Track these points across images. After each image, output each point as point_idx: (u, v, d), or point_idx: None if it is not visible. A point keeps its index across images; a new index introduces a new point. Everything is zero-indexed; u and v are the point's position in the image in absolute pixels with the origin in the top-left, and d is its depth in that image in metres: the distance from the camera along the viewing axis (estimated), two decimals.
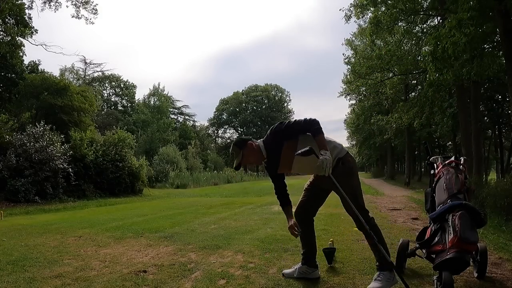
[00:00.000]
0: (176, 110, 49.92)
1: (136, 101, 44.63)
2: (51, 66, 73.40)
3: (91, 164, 14.67)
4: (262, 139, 2.85)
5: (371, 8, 13.75)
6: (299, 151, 2.48)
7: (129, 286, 2.80)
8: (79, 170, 14.07)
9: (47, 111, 17.18)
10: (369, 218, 2.70)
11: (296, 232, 2.76)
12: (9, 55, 17.15)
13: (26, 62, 20.39)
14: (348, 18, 15.45)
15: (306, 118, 2.66)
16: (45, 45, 17.90)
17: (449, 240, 2.33)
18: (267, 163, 2.88)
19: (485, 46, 9.70)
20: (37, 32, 17.82)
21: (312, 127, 2.61)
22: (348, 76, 22.44)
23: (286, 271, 3.00)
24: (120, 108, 43.97)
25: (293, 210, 2.99)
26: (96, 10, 17.38)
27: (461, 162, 2.96)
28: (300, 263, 2.96)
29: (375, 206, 8.78)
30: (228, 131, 57.12)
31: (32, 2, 16.94)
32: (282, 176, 2.96)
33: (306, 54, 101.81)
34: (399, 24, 14.41)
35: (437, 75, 9.51)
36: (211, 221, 6.46)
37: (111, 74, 43.46)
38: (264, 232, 5.06)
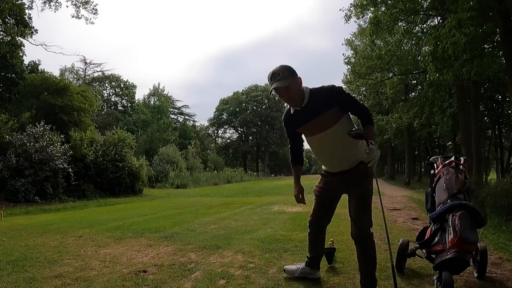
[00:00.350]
0: (176, 110, 49.97)
1: (136, 101, 44.66)
2: (51, 66, 73.49)
3: (91, 164, 14.67)
4: (309, 87, 2.51)
5: (371, 8, 13.76)
6: (352, 131, 2.28)
7: (129, 286, 2.80)
8: (79, 170, 14.07)
9: (47, 111, 17.18)
10: (370, 231, 2.52)
11: (303, 202, 2.68)
12: (9, 55, 17.17)
13: (26, 62, 20.45)
14: (348, 18, 15.46)
15: (362, 103, 2.54)
16: (45, 45, 17.94)
17: (449, 240, 2.34)
18: (295, 114, 2.52)
19: (485, 46, 9.71)
20: (37, 32, 17.89)
21: (367, 114, 2.46)
22: (348, 76, 22.47)
23: (288, 267, 2.97)
24: (120, 108, 43.98)
25: (308, 217, 2.84)
26: (96, 10, 17.41)
27: (461, 162, 2.96)
28: (303, 264, 2.91)
29: (375, 206, 8.74)
30: (228, 131, 57.10)
31: (32, 2, 16.97)
32: (300, 136, 2.67)
33: (306, 54, 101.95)
34: (399, 24, 14.42)
35: (437, 75, 9.52)
36: (211, 221, 6.46)
37: (111, 74, 43.51)
38: (264, 232, 5.06)
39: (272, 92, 2.44)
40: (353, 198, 2.54)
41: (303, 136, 2.69)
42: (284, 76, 2.37)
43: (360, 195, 2.48)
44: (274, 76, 2.39)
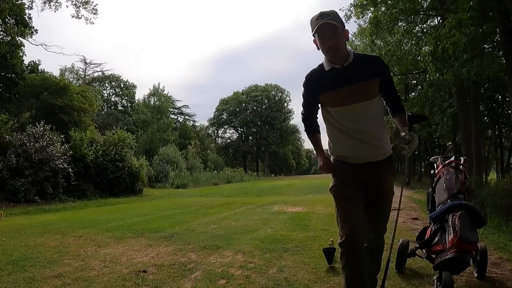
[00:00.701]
0: (176, 110, 50.00)
1: (136, 101, 44.68)
2: (51, 66, 73.63)
3: (91, 164, 14.68)
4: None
5: (371, 8, 13.74)
6: (411, 113, 2.15)
7: (129, 286, 2.80)
8: (79, 170, 14.08)
9: (47, 111, 17.19)
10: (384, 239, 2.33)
11: (332, 170, 2.16)
12: (9, 55, 17.14)
13: (26, 62, 20.39)
14: (348, 18, 15.44)
15: None
16: (45, 45, 17.90)
17: (449, 240, 2.34)
18: (331, 73, 2.03)
19: (485, 46, 9.70)
20: (37, 32, 17.84)
21: (400, 100, 2.19)
22: None
23: None
24: (120, 108, 43.98)
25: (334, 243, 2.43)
26: (96, 10, 17.40)
27: (461, 162, 2.96)
28: None
29: None
30: (228, 131, 57.12)
31: (32, 2, 16.95)
32: (317, 106, 2.18)
33: (306, 54, 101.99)
34: (399, 24, 14.40)
35: (437, 75, 9.52)
36: (211, 221, 6.46)
37: (111, 74, 43.51)
38: (264, 232, 5.06)
39: (315, 36, 2.00)
40: (375, 201, 2.16)
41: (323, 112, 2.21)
42: (335, 19, 1.96)
43: (388, 201, 2.21)
44: (324, 15, 1.96)
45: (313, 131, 2.25)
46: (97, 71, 41.87)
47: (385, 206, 2.21)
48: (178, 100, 52.07)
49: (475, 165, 11.80)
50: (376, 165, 2.10)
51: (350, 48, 2.10)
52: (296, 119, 56.80)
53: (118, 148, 16.19)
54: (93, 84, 38.88)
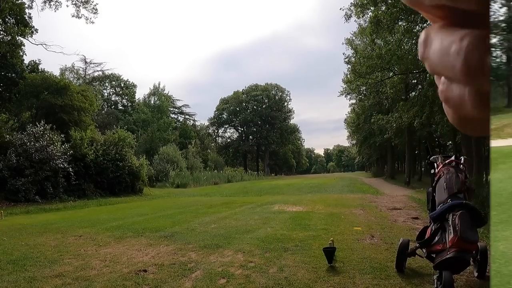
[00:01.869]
0: (176, 110, 49.98)
1: (137, 101, 44.67)
2: (51, 65, 73.63)
3: (91, 163, 14.70)
4: None
5: (372, 8, 13.74)
6: None
7: (130, 285, 2.80)
8: (79, 170, 14.10)
9: (47, 111, 17.18)
10: None
11: None
12: (9, 55, 17.14)
13: (26, 61, 20.39)
14: (348, 17, 15.43)
15: None
16: (45, 44, 17.92)
17: (449, 239, 2.34)
18: None
19: None
20: (37, 32, 17.82)
21: None
22: (349, 76, 22.44)
23: None
24: (120, 107, 43.98)
25: None
26: (96, 9, 17.40)
27: (461, 162, 2.96)
28: None
29: (376, 205, 8.78)
30: (228, 130, 57.16)
31: (32, 2, 16.94)
32: None
33: (306, 54, 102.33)
34: (399, 23, 14.39)
35: None
36: (211, 220, 6.46)
37: (111, 74, 43.49)
38: (264, 231, 5.06)
39: None
40: None
41: None
42: None
43: None
44: None
45: None
46: (97, 71, 41.86)
47: None
48: (179, 100, 52.02)
49: (476, 164, 11.80)
50: None
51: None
52: (296, 119, 57.10)
53: (118, 148, 16.21)
54: (93, 83, 38.85)
